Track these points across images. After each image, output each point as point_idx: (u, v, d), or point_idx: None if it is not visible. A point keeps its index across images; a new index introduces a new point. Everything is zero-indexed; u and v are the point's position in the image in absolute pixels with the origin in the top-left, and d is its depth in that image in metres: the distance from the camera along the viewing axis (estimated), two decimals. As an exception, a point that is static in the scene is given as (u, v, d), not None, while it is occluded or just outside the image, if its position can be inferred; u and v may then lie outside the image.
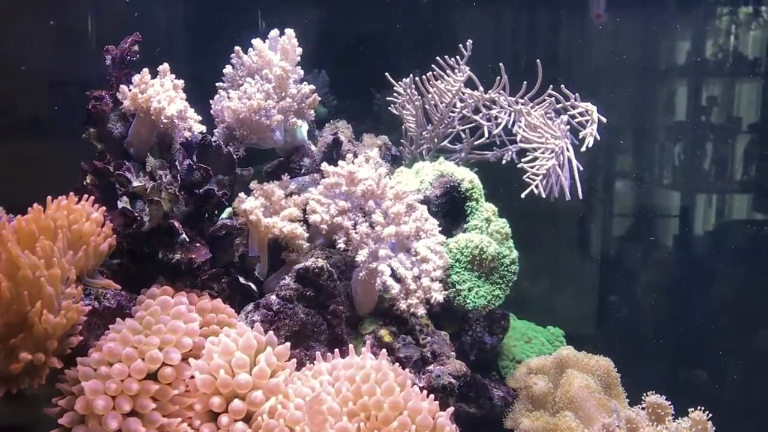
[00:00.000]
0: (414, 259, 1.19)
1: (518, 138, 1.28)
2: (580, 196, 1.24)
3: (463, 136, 1.45)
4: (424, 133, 1.44)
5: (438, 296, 1.17)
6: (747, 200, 2.56)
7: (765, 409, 2.26)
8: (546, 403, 1.35)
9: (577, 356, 1.40)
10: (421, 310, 1.17)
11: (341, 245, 1.15)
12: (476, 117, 1.42)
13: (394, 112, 1.46)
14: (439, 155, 1.48)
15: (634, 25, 2.29)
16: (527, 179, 1.22)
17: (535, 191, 1.21)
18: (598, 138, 1.32)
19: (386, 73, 1.43)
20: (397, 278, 1.17)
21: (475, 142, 1.46)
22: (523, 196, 1.23)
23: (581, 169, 1.30)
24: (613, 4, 2.22)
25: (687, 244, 2.54)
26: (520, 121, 1.32)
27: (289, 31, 1.28)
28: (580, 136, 1.29)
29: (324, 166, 1.19)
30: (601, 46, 2.26)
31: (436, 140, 1.47)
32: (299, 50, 1.28)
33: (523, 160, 1.25)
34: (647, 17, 2.37)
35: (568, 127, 1.27)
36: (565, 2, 2.08)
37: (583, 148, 1.27)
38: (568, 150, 1.24)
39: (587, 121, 1.32)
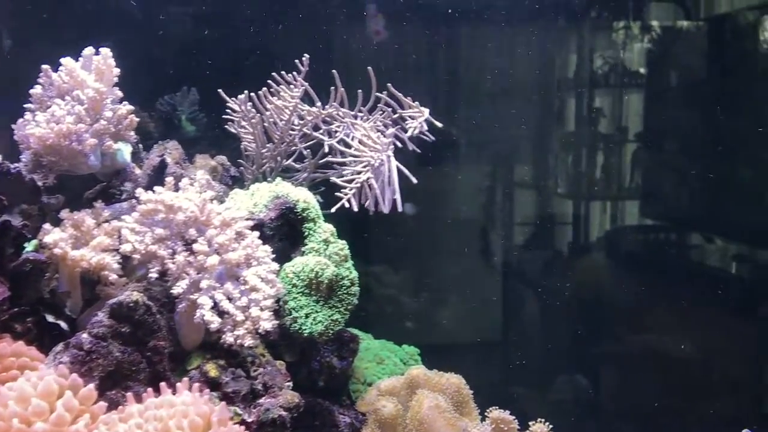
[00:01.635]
0: (243, 288, 1.14)
1: (338, 153, 1.26)
2: (399, 209, 1.22)
3: (304, 153, 1.40)
4: (264, 152, 1.39)
5: (267, 326, 1.12)
6: (636, 206, 2.63)
7: (640, 411, 2.30)
8: (396, 426, 1.31)
9: (428, 375, 1.38)
10: (249, 342, 1.11)
11: (153, 275, 1.08)
12: (316, 134, 1.38)
13: (231, 130, 1.40)
14: (283, 175, 1.43)
15: (522, 38, 2.33)
16: (338, 194, 1.20)
17: (347, 205, 1.19)
18: (431, 138, 1.33)
19: (219, 90, 1.37)
20: (223, 310, 1.11)
21: (320, 160, 1.41)
22: (333, 210, 1.21)
23: (416, 181, 1.28)
24: (512, 16, 2.24)
25: (580, 250, 2.58)
26: (354, 136, 1.29)
27: (105, 50, 1.20)
28: (408, 135, 1.28)
29: (139, 191, 1.12)
30: (491, 59, 2.29)
31: (279, 159, 1.42)
32: (116, 70, 1.20)
33: (333, 175, 1.24)
34: (539, 31, 2.41)
35: (391, 139, 1.24)
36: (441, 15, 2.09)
37: (410, 147, 1.28)
38: (389, 161, 1.21)
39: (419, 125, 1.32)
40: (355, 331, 1.59)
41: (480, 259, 2.49)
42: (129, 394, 1.04)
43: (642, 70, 2.57)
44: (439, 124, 1.36)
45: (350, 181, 1.25)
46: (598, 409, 2.43)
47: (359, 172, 1.24)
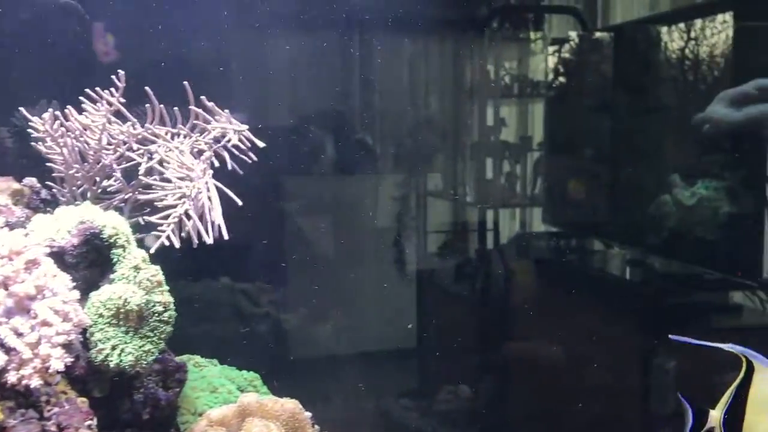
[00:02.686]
0: (34, 322, 1.06)
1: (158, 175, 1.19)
2: (225, 237, 1.16)
3: (118, 175, 1.32)
4: (74, 173, 1.30)
5: (58, 364, 1.04)
6: (538, 213, 2.67)
7: (521, 417, 2.31)
8: (225, 457, 1.26)
9: (261, 402, 1.32)
10: (37, 382, 1.03)
11: None
12: (133, 154, 1.30)
13: (41, 148, 1.31)
14: (103, 197, 1.35)
15: (428, 48, 2.34)
16: (155, 233, 1.13)
17: (167, 243, 1.12)
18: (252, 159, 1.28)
19: (21, 108, 1.28)
20: (9, 346, 1.02)
21: (141, 183, 1.34)
22: (152, 251, 1.15)
23: (240, 203, 1.23)
24: (418, 26, 2.24)
25: (486, 257, 2.59)
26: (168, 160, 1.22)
27: None
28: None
29: None
30: (402, 69, 2.30)
31: (97, 180, 1.33)
32: None
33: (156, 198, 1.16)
34: (442, 41, 2.42)
35: (206, 166, 1.18)
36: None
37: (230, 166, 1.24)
38: (207, 188, 1.15)
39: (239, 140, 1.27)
40: (198, 358, 1.53)
41: (364, 270, 2.48)
42: None
43: (543, 80, 2.62)
44: (260, 143, 1.31)
45: (167, 216, 1.18)
46: (482, 417, 2.43)
47: (175, 206, 1.18)
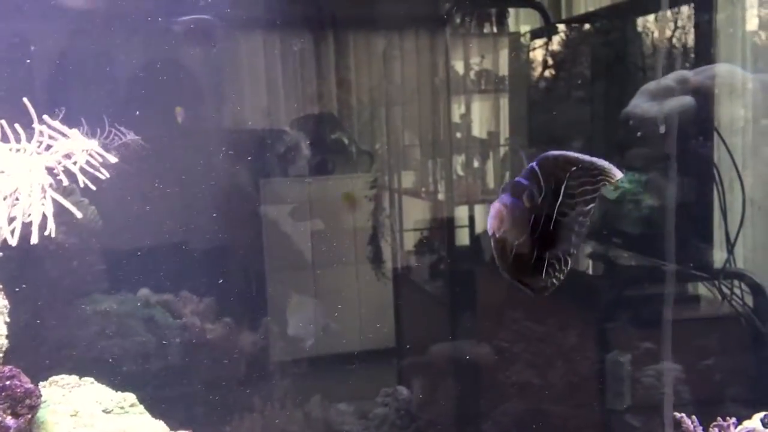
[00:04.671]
0: None
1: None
2: (52, 235, 1.12)
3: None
4: None
5: None
6: None
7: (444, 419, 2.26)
8: (77, 486, 1.21)
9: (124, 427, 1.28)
10: None
11: None
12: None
13: None
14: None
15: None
16: None
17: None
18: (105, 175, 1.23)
19: None
20: None
21: None
22: None
23: (80, 216, 1.19)
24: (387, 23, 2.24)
25: (454, 254, 2.57)
26: None
27: None
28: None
29: None
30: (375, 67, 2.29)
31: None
32: None
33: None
34: (413, 38, 2.41)
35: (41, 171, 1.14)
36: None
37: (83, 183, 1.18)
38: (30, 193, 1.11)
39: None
40: (70, 378, 1.48)
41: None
42: None
43: (507, 75, 2.60)
44: (113, 159, 1.27)
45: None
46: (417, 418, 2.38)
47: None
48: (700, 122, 2.01)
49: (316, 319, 2.27)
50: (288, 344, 2.27)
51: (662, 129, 1.80)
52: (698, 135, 2.04)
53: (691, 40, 2.07)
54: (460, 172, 2.51)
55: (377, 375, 2.43)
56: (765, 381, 2.02)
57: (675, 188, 1.87)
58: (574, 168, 0.84)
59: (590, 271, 2.41)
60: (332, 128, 2.27)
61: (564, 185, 0.84)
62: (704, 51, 2.06)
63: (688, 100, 1.91)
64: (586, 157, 0.86)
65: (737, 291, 2.05)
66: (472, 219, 2.51)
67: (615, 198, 1.91)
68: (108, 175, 1.28)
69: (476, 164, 2.55)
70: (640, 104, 1.96)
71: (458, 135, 2.48)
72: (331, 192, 2.32)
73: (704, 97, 1.93)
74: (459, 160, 2.53)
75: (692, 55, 2.08)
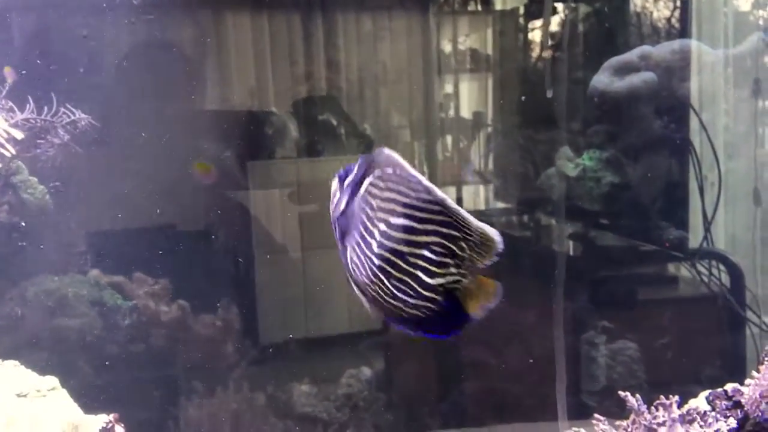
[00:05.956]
0: None
1: None
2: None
3: None
4: None
5: None
6: (491, 190, 2.63)
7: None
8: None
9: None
10: None
11: None
12: None
13: None
14: None
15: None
16: None
17: None
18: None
19: None
20: None
21: None
22: None
23: None
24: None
25: None
26: None
27: None
28: None
29: None
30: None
31: None
32: None
33: None
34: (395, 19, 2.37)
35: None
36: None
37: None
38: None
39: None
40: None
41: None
42: None
43: (491, 55, 2.57)
44: (19, 135, 1.23)
45: None
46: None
47: None
48: (668, 98, 1.96)
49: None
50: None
51: (549, 93, 1.76)
52: (668, 111, 1.99)
53: (668, 15, 2.02)
54: (444, 153, 2.48)
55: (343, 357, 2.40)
56: (737, 360, 1.99)
57: (641, 166, 1.82)
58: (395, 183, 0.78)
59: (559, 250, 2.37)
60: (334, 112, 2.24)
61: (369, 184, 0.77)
62: (683, 27, 2.02)
63: (649, 75, 1.86)
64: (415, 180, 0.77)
65: (714, 271, 2.01)
66: (459, 201, 2.48)
67: (575, 175, 1.87)
68: (13, 152, 1.25)
69: (460, 145, 2.52)
70: (602, 79, 1.91)
71: (441, 115, 2.44)
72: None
73: (666, 71, 1.88)
74: (442, 141, 2.49)
75: (671, 31, 2.03)
